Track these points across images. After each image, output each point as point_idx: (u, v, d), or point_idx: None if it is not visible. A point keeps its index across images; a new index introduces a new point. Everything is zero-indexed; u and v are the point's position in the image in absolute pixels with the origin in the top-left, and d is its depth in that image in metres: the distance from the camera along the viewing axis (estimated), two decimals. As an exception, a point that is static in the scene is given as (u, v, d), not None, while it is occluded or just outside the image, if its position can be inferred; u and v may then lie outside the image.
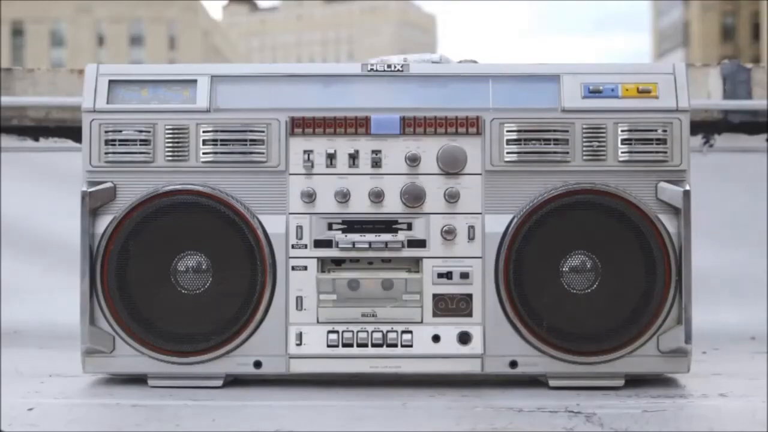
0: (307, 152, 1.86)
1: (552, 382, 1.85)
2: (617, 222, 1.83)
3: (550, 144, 1.85)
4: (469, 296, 1.85)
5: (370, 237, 1.85)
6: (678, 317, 1.83)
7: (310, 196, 1.85)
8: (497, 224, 1.84)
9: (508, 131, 1.85)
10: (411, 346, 1.85)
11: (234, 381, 1.88)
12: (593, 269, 1.84)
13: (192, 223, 1.85)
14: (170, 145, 1.86)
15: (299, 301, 1.85)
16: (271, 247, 1.84)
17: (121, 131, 1.87)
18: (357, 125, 1.86)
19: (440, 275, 1.85)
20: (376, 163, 1.86)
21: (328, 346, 1.85)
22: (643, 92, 1.86)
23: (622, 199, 1.83)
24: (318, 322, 1.85)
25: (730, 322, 1.98)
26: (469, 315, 1.85)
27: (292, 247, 1.86)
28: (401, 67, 1.89)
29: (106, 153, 1.86)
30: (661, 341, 1.84)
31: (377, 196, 1.85)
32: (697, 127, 2.65)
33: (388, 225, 1.86)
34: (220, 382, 1.86)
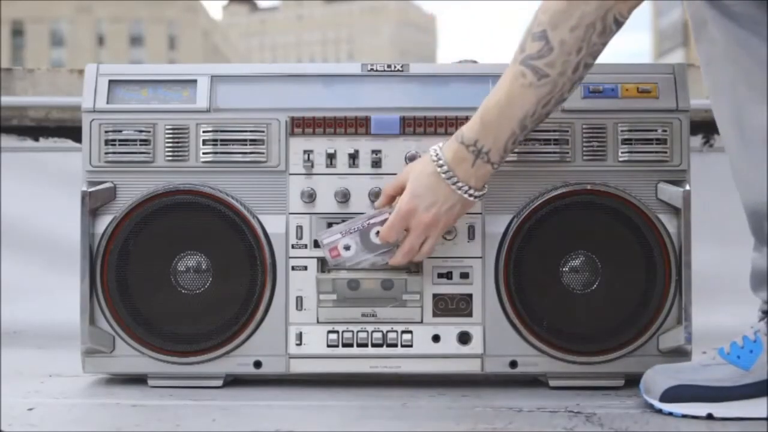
0: (307, 152, 1.86)
1: (552, 382, 1.85)
2: (617, 222, 1.83)
3: (550, 144, 1.85)
4: (469, 296, 1.85)
5: (370, 237, 1.85)
6: (678, 317, 1.83)
7: (310, 196, 1.85)
8: (497, 224, 1.84)
9: (508, 131, 1.85)
10: (411, 346, 1.85)
11: (234, 381, 1.88)
12: (593, 269, 1.84)
13: (192, 223, 1.85)
14: (170, 145, 1.86)
15: (299, 301, 1.85)
16: (271, 247, 1.84)
17: (121, 131, 1.87)
18: (357, 125, 1.87)
19: (440, 275, 1.85)
20: (376, 163, 1.86)
21: (328, 346, 1.85)
22: (643, 92, 1.86)
23: (622, 199, 1.83)
24: (318, 322, 1.85)
25: (730, 321, 1.98)
26: (469, 315, 1.85)
27: (292, 247, 1.86)
28: (401, 67, 1.90)
29: (106, 153, 1.86)
30: (661, 341, 1.84)
31: (377, 196, 1.85)
32: (697, 127, 2.64)
33: (388, 225, 1.85)
34: (220, 382, 1.86)
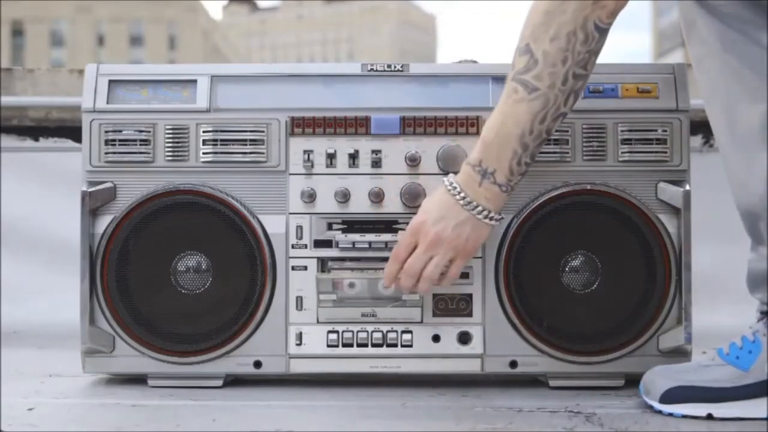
0: (307, 152, 1.86)
1: (552, 382, 1.85)
2: (617, 222, 1.83)
3: (550, 144, 1.85)
4: (469, 296, 1.85)
5: (371, 237, 1.85)
6: (678, 317, 1.83)
7: (310, 196, 1.85)
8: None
9: (508, 131, 1.85)
10: (411, 346, 1.85)
11: (234, 381, 1.88)
12: (593, 269, 1.84)
13: (192, 223, 1.85)
14: (170, 145, 1.86)
15: (299, 301, 1.85)
16: (271, 247, 1.84)
17: (121, 131, 1.87)
18: (357, 125, 1.87)
19: (440, 275, 1.85)
20: (376, 163, 1.86)
21: (328, 346, 1.85)
22: (643, 92, 1.86)
23: (622, 199, 1.83)
24: (318, 322, 1.85)
25: (730, 322, 1.98)
26: (469, 315, 1.85)
27: (292, 247, 1.86)
28: (401, 67, 1.90)
29: (106, 153, 1.86)
30: (661, 341, 1.84)
31: (377, 196, 1.85)
32: (697, 127, 2.64)
33: (388, 225, 1.86)
34: (220, 382, 1.86)
